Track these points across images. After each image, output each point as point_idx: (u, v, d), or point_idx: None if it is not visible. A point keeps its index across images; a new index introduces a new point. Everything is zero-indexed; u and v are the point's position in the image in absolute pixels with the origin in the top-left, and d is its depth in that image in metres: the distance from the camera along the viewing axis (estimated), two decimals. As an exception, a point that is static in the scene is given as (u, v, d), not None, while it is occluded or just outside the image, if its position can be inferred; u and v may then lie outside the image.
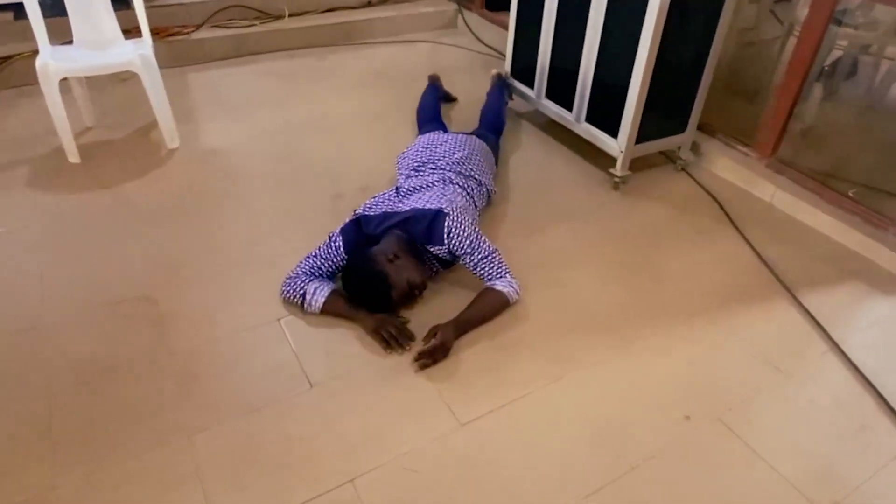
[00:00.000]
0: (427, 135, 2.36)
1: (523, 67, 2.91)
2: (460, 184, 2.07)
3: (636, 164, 2.56)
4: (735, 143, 2.71)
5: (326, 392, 1.62)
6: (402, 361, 1.71)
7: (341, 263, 1.87)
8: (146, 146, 2.69)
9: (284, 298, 1.87)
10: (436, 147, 2.23)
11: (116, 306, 1.86)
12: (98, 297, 1.88)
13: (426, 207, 1.88)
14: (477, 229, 1.87)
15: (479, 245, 1.84)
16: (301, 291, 1.82)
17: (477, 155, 2.24)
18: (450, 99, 3.17)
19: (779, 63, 3.21)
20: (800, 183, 2.47)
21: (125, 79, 2.42)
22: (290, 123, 2.94)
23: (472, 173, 2.16)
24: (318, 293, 1.80)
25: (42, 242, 2.10)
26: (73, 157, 2.53)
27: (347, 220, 1.93)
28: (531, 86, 2.88)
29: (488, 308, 1.83)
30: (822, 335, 1.88)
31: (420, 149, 2.25)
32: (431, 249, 1.87)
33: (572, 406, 1.62)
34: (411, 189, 2.03)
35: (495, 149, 2.55)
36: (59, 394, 1.59)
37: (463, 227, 1.83)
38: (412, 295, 1.82)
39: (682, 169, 2.70)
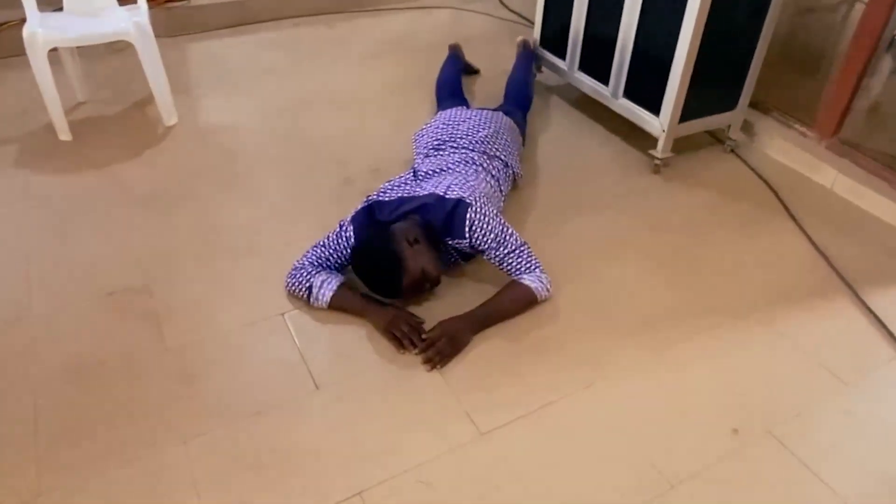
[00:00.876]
0: (448, 111, 2.31)
1: (554, 36, 2.84)
2: (484, 165, 2.02)
3: (679, 145, 2.49)
4: (792, 122, 2.62)
5: (333, 395, 1.60)
6: (418, 362, 1.68)
7: (347, 258, 1.84)
8: (142, 123, 2.68)
9: (289, 291, 1.85)
10: (458, 124, 2.18)
11: (108, 297, 1.86)
12: (89, 288, 1.88)
13: (446, 195, 1.83)
14: (502, 220, 1.82)
15: (504, 239, 1.79)
16: (307, 284, 1.79)
17: (503, 134, 2.19)
18: (472, 71, 3.11)
19: (843, 32, 3.09)
20: (865, 167, 2.38)
21: (120, 49, 2.41)
22: (297, 98, 2.91)
23: (498, 153, 2.11)
24: (326, 286, 1.78)
25: (30, 227, 2.11)
26: (64, 134, 2.54)
27: (359, 207, 1.89)
28: (563, 56, 2.81)
29: (510, 302, 1.79)
30: (888, 339, 1.81)
31: (440, 126, 2.21)
32: (450, 242, 1.83)
33: (605, 416, 1.57)
34: (430, 171, 1.99)
35: (522, 126, 2.49)
36: (46, 392, 1.59)
37: (487, 219, 1.78)
38: (422, 287, 1.78)
39: (732, 150, 2.61)
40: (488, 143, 2.11)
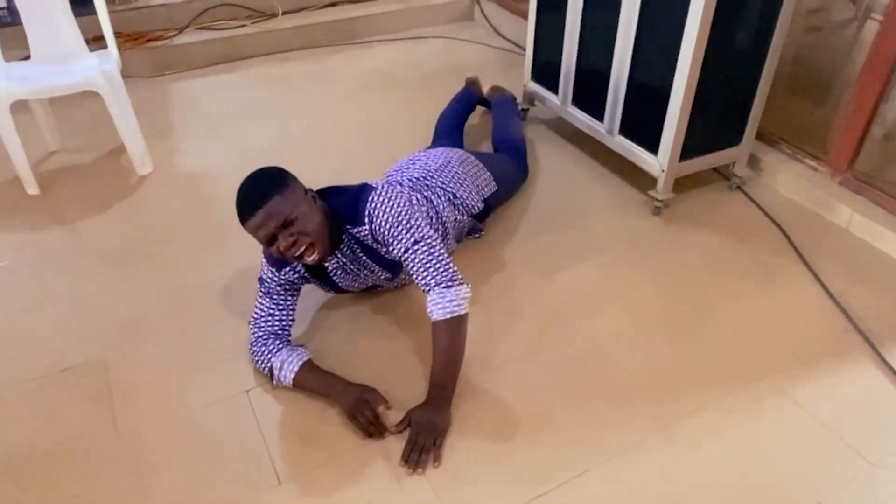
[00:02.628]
0: (410, 156, 2.15)
1: (546, 69, 2.68)
2: (419, 189, 1.87)
3: (682, 183, 2.32)
4: (802, 156, 2.44)
5: (297, 489, 1.44)
6: (392, 449, 1.52)
7: (289, 294, 1.68)
8: (115, 172, 2.56)
9: (255, 368, 1.69)
10: (408, 167, 2.04)
11: (62, 375, 1.71)
12: (42, 364, 1.74)
13: (352, 185, 1.66)
14: (408, 209, 1.58)
15: (407, 227, 1.56)
16: (268, 364, 1.64)
17: (453, 166, 2.02)
18: (490, 105, 2.93)
19: (854, 52, 2.91)
20: (883, 205, 2.19)
21: (94, 94, 2.30)
22: (281, 139, 2.77)
23: (444, 185, 1.94)
24: (287, 367, 1.62)
25: (-14, 294, 1.97)
26: (32, 188, 2.41)
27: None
28: (555, 91, 2.65)
29: (447, 351, 1.55)
30: (918, 407, 1.62)
31: (393, 171, 2.06)
32: (354, 232, 1.62)
33: (600, 509, 1.40)
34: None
35: (513, 169, 2.34)
36: (-17, 492, 1.44)
37: (392, 203, 1.57)
38: (301, 220, 1.50)
39: (738, 187, 2.44)
40: (432, 176, 1.95)
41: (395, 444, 1.52)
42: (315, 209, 1.54)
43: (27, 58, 2.46)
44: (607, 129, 2.41)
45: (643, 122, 2.25)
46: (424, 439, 1.48)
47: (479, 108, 2.91)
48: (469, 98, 2.79)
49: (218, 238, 2.20)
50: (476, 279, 2.00)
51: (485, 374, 1.69)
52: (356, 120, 2.93)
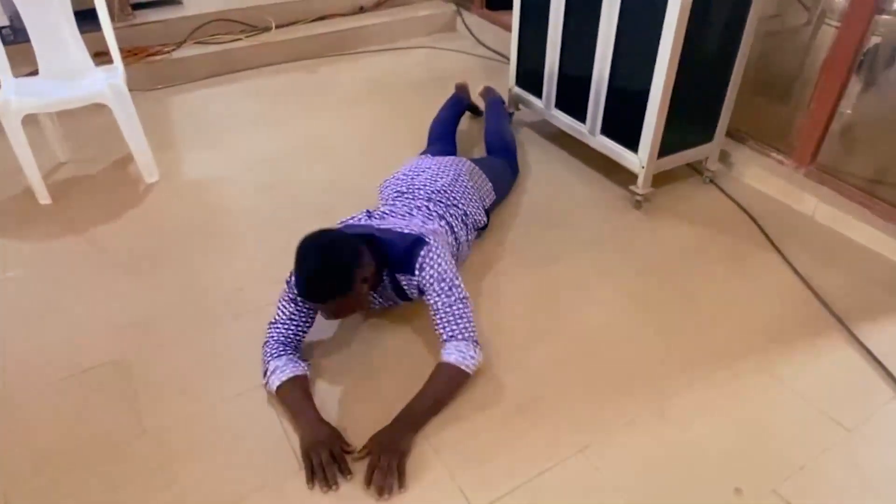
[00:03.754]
0: (412, 161, 2.16)
1: (530, 75, 2.71)
2: (440, 213, 1.87)
3: (659, 178, 2.35)
4: (769, 151, 2.49)
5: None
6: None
7: (308, 315, 1.66)
8: (123, 182, 2.52)
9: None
10: (417, 175, 2.03)
11: (84, 375, 1.69)
12: (64, 366, 1.72)
13: (406, 232, 1.68)
14: (455, 271, 1.64)
15: (449, 286, 1.60)
16: (267, 365, 1.61)
17: (463, 180, 2.03)
18: (479, 112, 2.94)
19: (810, 54, 2.98)
20: (845, 193, 2.25)
21: (101, 106, 2.27)
22: (279, 148, 2.76)
23: (457, 201, 1.96)
24: (277, 374, 1.57)
25: (5, 301, 1.94)
26: (44, 198, 2.37)
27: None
28: (539, 95, 2.67)
29: (439, 389, 1.55)
30: (885, 378, 1.67)
31: (401, 176, 2.06)
32: (399, 278, 1.66)
33: (602, 480, 1.42)
34: (387, 213, 1.85)
35: (506, 173, 2.37)
36: (12, 488, 1.42)
37: (440, 261, 1.61)
38: (348, 306, 1.56)
39: (711, 181, 2.48)
40: (446, 191, 1.95)
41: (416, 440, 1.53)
42: (363, 294, 1.55)
43: (33, 73, 2.42)
44: (589, 130, 2.44)
45: (623, 123, 2.28)
46: (387, 460, 1.40)
47: (467, 114, 2.92)
48: (459, 104, 2.80)
49: (225, 241, 2.19)
50: (472, 274, 2.01)
51: (487, 363, 1.70)
52: (350, 127, 2.92)
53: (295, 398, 1.55)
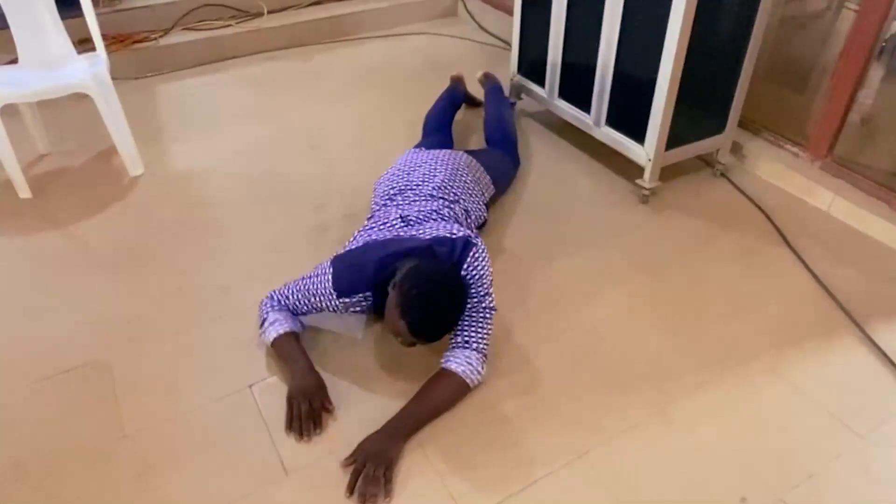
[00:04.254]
0: (405, 155, 2.15)
1: (532, 63, 2.70)
2: (448, 214, 1.86)
3: (668, 171, 2.35)
4: (783, 142, 2.48)
5: (304, 482, 1.44)
6: (396, 438, 1.52)
7: (329, 308, 1.67)
8: (107, 175, 2.53)
9: (257, 322, 1.74)
10: (413, 170, 2.01)
11: (65, 377, 1.70)
12: (43, 367, 1.72)
13: (453, 235, 1.68)
14: (491, 279, 1.66)
15: (486, 292, 1.63)
16: (265, 316, 1.70)
17: (462, 175, 2.02)
18: (475, 103, 2.94)
19: (829, 40, 2.95)
20: (862, 187, 2.24)
21: (83, 96, 2.27)
22: (270, 139, 2.76)
23: (458, 197, 1.95)
24: (276, 326, 1.66)
25: (-17, 299, 1.95)
26: (24, 192, 2.38)
27: (336, 260, 1.69)
28: (542, 83, 2.66)
29: (438, 398, 1.56)
30: (901, 381, 1.66)
31: (396, 173, 2.04)
32: None
33: (601, 488, 1.42)
34: (421, 218, 1.79)
35: (507, 165, 2.36)
36: (-8, 494, 1.43)
37: (484, 265, 1.64)
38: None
39: (722, 175, 2.47)
40: (445, 188, 1.94)
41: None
42: None
43: (14, 61, 2.42)
44: (594, 121, 2.44)
45: (629, 113, 2.27)
46: (373, 468, 1.39)
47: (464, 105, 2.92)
48: (455, 96, 2.79)
49: (212, 237, 2.19)
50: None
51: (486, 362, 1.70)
52: (344, 117, 2.92)
53: (290, 348, 1.64)
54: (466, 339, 1.59)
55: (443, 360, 1.60)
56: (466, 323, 1.60)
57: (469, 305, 1.60)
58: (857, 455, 1.49)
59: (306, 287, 1.68)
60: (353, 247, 1.75)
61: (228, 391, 1.66)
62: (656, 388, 1.65)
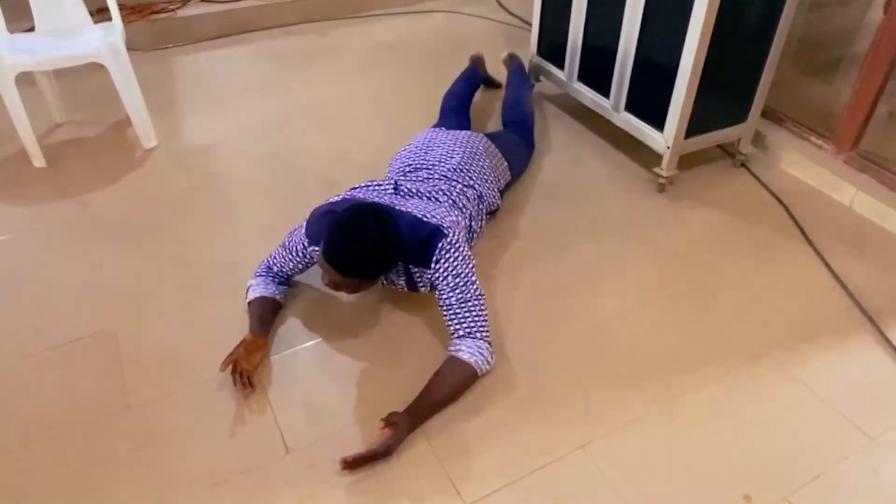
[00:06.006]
0: (423, 134, 2.13)
1: (552, 44, 2.65)
2: (455, 199, 1.82)
3: (686, 160, 2.30)
4: (808, 133, 2.41)
5: (305, 460, 1.45)
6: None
7: (304, 262, 1.74)
8: (121, 146, 2.53)
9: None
10: (429, 150, 2.00)
11: (71, 346, 1.72)
12: (50, 336, 1.74)
13: (424, 219, 1.64)
14: (470, 265, 1.61)
15: (465, 283, 1.58)
16: (251, 282, 1.79)
17: (479, 159, 1.99)
18: (494, 84, 2.89)
19: (860, 31, 2.86)
20: (887, 183, 2.18)
21: (100, 66, 2.27)
22: (285, 113, 2.74)
23: (473, 182, 1.92)
24: (250, 291, 1.76)
25: (-5, 266, 1.97)
26: (38, 160, 2.39)
27: (312, 211, 1.71)
28: (561, 66, 2.61)
29: (452, 386, 1.54)
30: (917, 384, 1.62)
31: (412, 150, 2.03)
32: (412, 269, 1.64)
33: (601, 480, 1.41)
34: (413, 191, 1.80)
35: (521, 148, 2.32)
36: (-3, 459, 1.45)
37: (457, 255, 1.59)
38: (359, 289, 1.58)
39: (742, 165, 2.42)
40: (461, 170, 1.92)
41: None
42: (375, 283, 1.59)
43: (31, 29, 2.42)
44: (613, 106, 2.39)
45: (649, 99, 2.22)
46: (383, 457, 1.42)
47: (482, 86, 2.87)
48: (474, 76, 2.75)
49: (223, 212, 2.19)
50: (482, 255, 1.99)
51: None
52: (360, 95, 2.89)
53: (255, 312, 1.71)
54: (468, 329, 1.58)
55: (452, 349, 1.58)
56: (461, 316, 1.58)
57: (456, 299, 1.57)
58: (867, 457, 1.46)
59: (286, 243, 1.74)
60: (345, 197, 1.76)
61: (233, 367, 1.66)
62: (663, 381, 1.62)
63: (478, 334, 1.58)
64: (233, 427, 1.52)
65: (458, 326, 1.58)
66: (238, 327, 1.75)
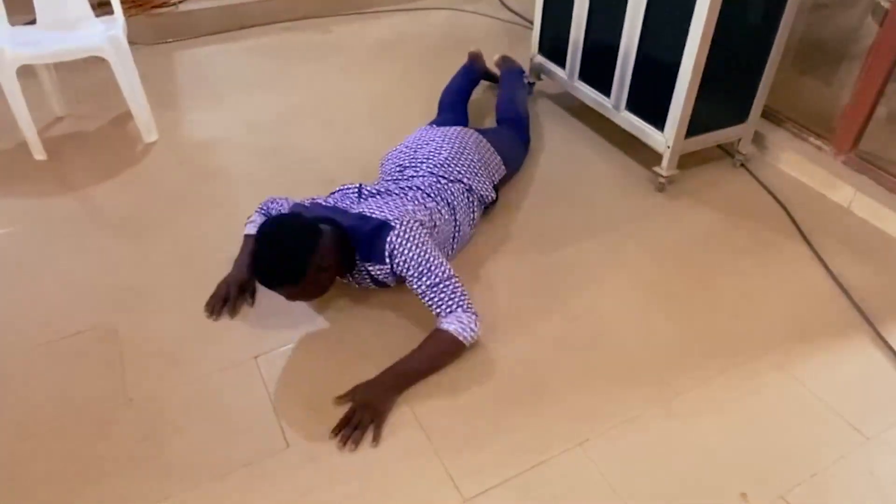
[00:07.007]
0: (415, 133, 2.15)
1: (553, 43, 2.65)
2: (437, 190, 1.85)
3: (686, 160, 2.31)
4: (807, 134, 2.42)
5: (304, 454, 1.46)
6: (399, 418, 1.53)
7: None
8: (122, 139, 2.54)
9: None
10: (420, 147, 2.02)
11: (71, 340, 1.72)
12: (50, 329, 1.74)
13: (371, 216, 1.67)
14: (430, 249, 1.62)
15: (428, 268, 1.59)
16: (252, 216, 1.90)
17: (469, 153, 2.01)
18: (494, 79, 2.89)
19: (861, 32, 2.87)
20: (886, 184, 2.19)
21: (101, 59, 2.27)
22: (286, 110, 2.75)
23: (461, 176, 1.94)
24: (248, 227, 1.89)
25: (-4, 259, 1.97)
26: (39, 153, 2.40)
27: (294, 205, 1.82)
28: (562, 65, 2.62)
29: (431, 354, 1.58)
30: (913, 384, 1.64)
31: (403, 149, 2.05)
32: (370, 268, 1.66)
33: (598, 477, 1.42)
34: (374, 192, 1.83)
35: (516, 144, 2.33)
36: (-2, 451, 1.46)
37: (410, 245, 1.60)
38: (304, 293, 1.61)
39: (742, 165, 2.43)
40: (448, 165, 1.94)
41: (402, 416, 1.54)
42: (321, 280, 1.58)
43: (32, 22, 2.42)
44: (614, 105, 2.39)
45: (650, 98, 2.23)
46: (361, 416, 1.47)
47: (483, 83, 2.87)
48: (472, 73, 2.75)
49: (223, 206, 2.20)
50: (476, 254, 2.00)
51: (489, 346, 1.70)
52: (360, 91, 2.90)
53: (246, 246, 1.85)
54: (449, 307, 1.59)
55: (437, 314, 1.61)
56: (438, 298, 1.59)
57: (426, 286, 1.59)
58: (863, 457, 1.47)
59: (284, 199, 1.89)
60: (309, 202, 1.82)
61: (233, 361, 1.67)
62: (661, 379, 1.64)
63: (459, 307, 1.59)
64: (233, 421, 1.52)
65: (438, 309, 1.60)
66: (238, 323, 1.76)
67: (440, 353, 1.60)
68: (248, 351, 1.69)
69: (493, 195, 2.05)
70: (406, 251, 1.59)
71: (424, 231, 1.65)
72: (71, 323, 1.76)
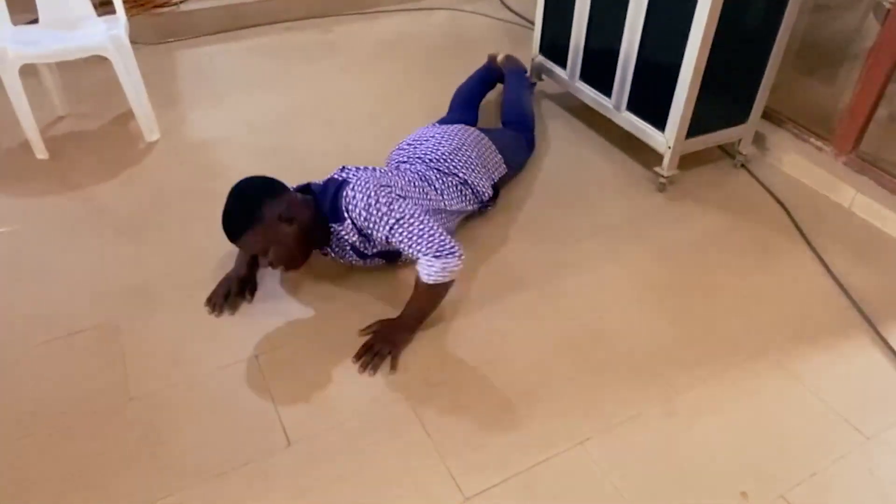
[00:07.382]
0: (419, 129, 2.17)
1: (554, 43, 2.66)
2: (428, 177, 1.88)
3: (687, 160, 2.31)
4: (808, 135, 2.43)
5: (306, 452, 1.46)
6: (399, 415, 1.54)
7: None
8: (123, 139, 2.54)
9: None
10: (422, 143, 2.05)
11: (73, 338, 1.73)
12: (52, 327, 1.75)
13: (334, 176, 1.75)
14: (388, 193, 1.64)
15: (388, 210, 1.61)
16: None
17: (468, 150, 2.02)
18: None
19: (861, 33, 2.88)
20: (886, 185, 2.19)
21: (102, 59, 2.28)
22: (287, 110, 2.75)
23: (456, 170, 1.95)
24: None
25: (-2, 257, 1.98)
26: (41, 152, 2.40)
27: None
28: (563, 65, 2.62)
29: (423, 308, 1.70)
30: (913, 384, 1.64)
31: (405, 146, 2.08)
32: (341, 232, 1.70)
33: (600, 476, 1.42)
34: (357, 168, 1.85)
35: (521, 145, 2.34)
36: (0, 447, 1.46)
37: (362, 194, 1.62)
38: (273, 242, 1.62)
39: (742, 166, 2.43)
40: (445, 160, 1.96)
41: (404, 411, 1.54)
42: (288, 233, 1.61)
43: (34, 21, 2.43)
44: (615, 105, 2.40)
45: (651, 99, 2.24)
46: (380, 346, 1.62)
47: (499, 86, 2.86)
48: (490, 75, 2.74)
49: (221, 206, 2.19)
50: (480, 253, 2.00)
51: (490, 345, 1.71)
52: (362, 91, 2.90)
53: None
54: (414, 253, 1.62)
55: (417, 274, 1.66)
56: (402, 244, 1.62)
57: (387, 231, 1.62)
58: (863, 456, 1.48)
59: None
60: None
61: (235, 359, 1.67)
62: (661, 378, 1.64)
63: (420, 253, 1.61)
64: (235, 419, 1.53)
65: (412, 253, 1.63)
66: (239, 321, 1.77)
67: (429, 302, 1.70)
68: (249, 349, 1.70)
69: (491, 192, 2.05)
70: (360, 199, 1.63)
71: (387, 190, 1.66)
72: (72, 321, 1.76)
